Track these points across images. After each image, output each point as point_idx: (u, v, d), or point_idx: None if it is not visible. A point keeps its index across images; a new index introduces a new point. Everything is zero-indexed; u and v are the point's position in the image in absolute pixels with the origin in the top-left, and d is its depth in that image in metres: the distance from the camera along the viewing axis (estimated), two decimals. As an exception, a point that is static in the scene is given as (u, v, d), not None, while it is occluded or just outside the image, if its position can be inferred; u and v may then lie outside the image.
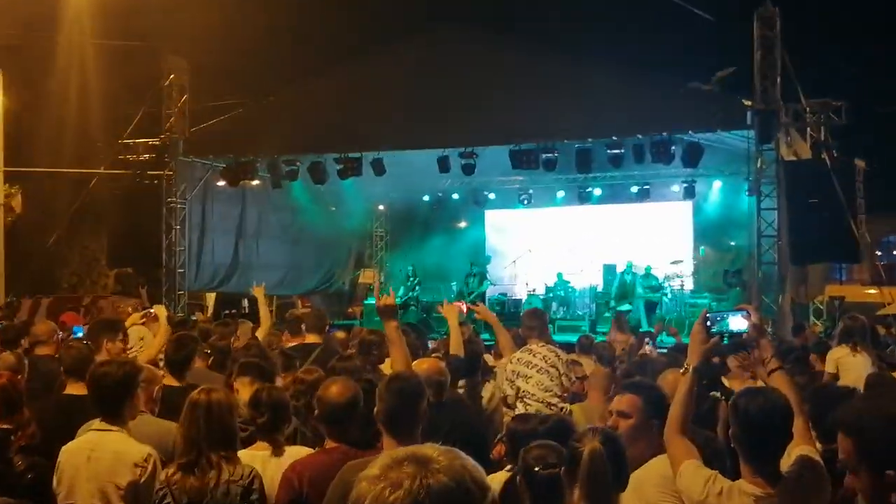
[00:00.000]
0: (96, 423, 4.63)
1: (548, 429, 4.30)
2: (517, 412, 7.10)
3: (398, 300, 17.98)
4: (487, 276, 21.84)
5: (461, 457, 1.80)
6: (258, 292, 9.48)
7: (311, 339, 8.24)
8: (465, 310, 20.07)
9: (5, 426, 4.83)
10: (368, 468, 1.78)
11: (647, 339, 9.48)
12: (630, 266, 20.14)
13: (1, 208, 19.09)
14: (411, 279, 21.09)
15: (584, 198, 21.82)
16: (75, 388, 5.57)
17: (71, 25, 19.37)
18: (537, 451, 3.86)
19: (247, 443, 4.71)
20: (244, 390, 5.52)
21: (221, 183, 19.51)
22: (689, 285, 20.87)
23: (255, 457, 4.59)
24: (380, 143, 17.46)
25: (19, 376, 6.16)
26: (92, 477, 4.46)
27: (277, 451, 4.66)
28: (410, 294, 20.42)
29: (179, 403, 4.53)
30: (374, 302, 20.53)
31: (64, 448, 4.62)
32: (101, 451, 4.49)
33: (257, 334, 8.73)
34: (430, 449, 1.80)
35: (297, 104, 17.74)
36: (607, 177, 20.77)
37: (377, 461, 1.79)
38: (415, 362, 5.56)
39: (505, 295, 22.20)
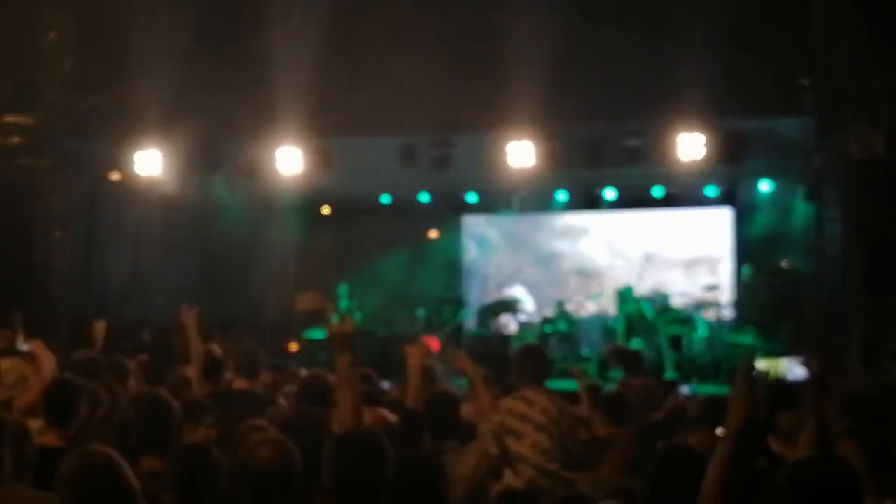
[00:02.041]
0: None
1: None
2: (504, 482, 7.12)
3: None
4: (465, 303, 21.86)
5: None
6: (189, 319, 9.50)
7: (239, 384, 8.21)
8: (435, 347, 20.17)
9: None
10: None
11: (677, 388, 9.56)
12: (629, 292, 20.12)
13: None
14: (345, 304, 20.97)
15: (592, 201, 21.87)
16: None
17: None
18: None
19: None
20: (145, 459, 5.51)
21: (116, 177, 19.39)
22: (728, 317, 20.95)
23: None
24: (325, 127, 17.44)
25: None
26: None
27: None
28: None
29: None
30: (315, 335, 20.52)
31: None
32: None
33: (183, 376, 8.72)
34: None
35: (219, 75, 17.71)
36: (623, 175, 20.83)
37: None
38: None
39: (488, 328, 22.19)
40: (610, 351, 14.22)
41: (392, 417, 5.97)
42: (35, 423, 6.23)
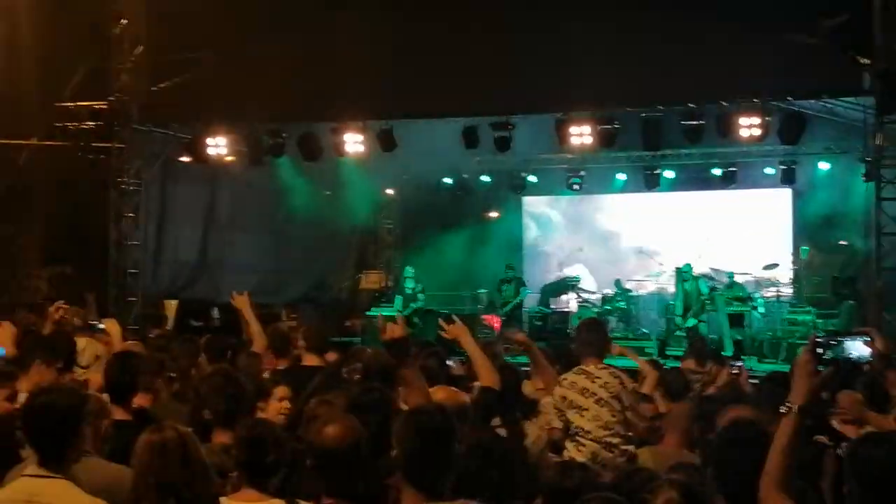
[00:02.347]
0: (30, 467, 4.63)
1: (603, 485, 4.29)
2: (567, 455, 7.10)
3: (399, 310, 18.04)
4: (526, 282, 21.81)
5: None
6: (242, 303, 9.38)
7: (310, 360, 8.24)
8: (495, 325, 20.19)
9: None
10: None
11: (735, 365, 9.43)
12: (688, 269, 19.97)
13: None
14: (411, 285, 20.99)
15: (651, 182, 21.76)
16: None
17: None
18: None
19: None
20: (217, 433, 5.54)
21: (186, 159, 19.56)
22: (787, 296, 20.76)
23: None
24: (389, 110, 17.46)
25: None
26: (30, 539, 4.45)
27: None
28: (412, 306, 20.34)
29: (131, 442, 4.52)
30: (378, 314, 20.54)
31: None
32: (41, 504, 4.48)
33: (253, 353, 8.75)
34: None
35: (285, 59, 17.75)
36: (682, 155, 20.68)
37: None
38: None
39: (548, 307, 22.16)
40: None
41: (464, 396, 5.93)
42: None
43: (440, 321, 7.30)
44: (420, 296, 20.64)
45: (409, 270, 21.12)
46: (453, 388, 5.92)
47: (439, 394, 5.62)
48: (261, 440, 4.74)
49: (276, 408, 6.33)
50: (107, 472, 5.00)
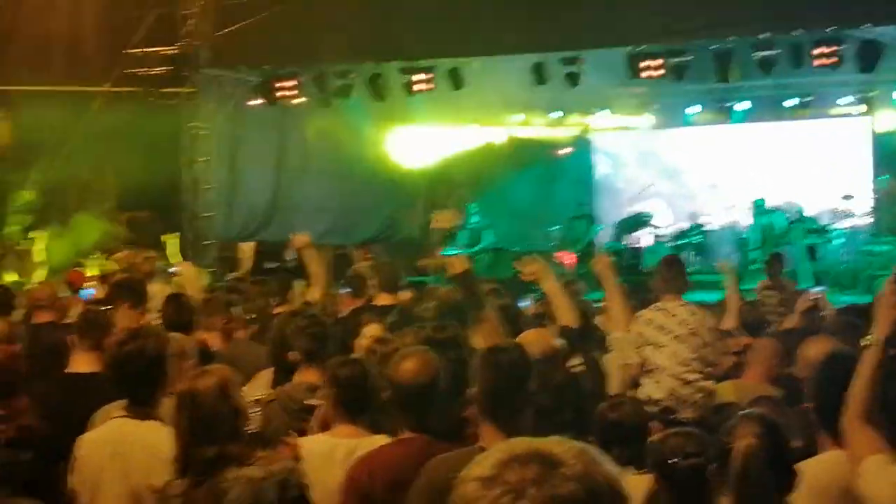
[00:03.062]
0: (120, 409, 4.73)
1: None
2: (644, 391, 7.11)
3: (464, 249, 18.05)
4: (597, 218, 21.72)
5: (598, 461, 1.79)
6: (301, 242, 9.33)
7: (383, 300, 8.31)
8: (570, 263, 20.14)
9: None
10: (476, 464, 1.77)
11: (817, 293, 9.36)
12: (762, 203, 19.73)
13: (-17, 138, 19.54)
14: (475, 220, 20.87)
15: (724, 115, 21.50)
16: (85, 364, 5.72)
17: None
18: (676, 439, 3.90)
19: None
20: (302, 372, 5.63)
21: (256, 102, 19.67)
22: (865, 227, 20.46)
23: (339, 445, 4.67)
24: (458, 48, 17.40)
25: (16, 347, 6.39)
26: (120, 477, 4.55)
27: (365, 440, 4.73)
28: (480, 245, 20.25)
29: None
30: (451, 253, 20.60)
31: (82, 439, 4.72)
32: (129, 446, 4.57)
33: (309, 297, 8.81)
34: (559, 447, 1.78)
35: (352, -1, 17.77)
36: (756, 87, 20.37)
37: (489, 455, 1.78)
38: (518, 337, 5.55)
39: (620, 243, 22.07)
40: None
41: (554, 339, 5.94)
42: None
43: (516, 262, 7.31)
44: (485, 232, 20.67)
45: (474, 206, 21.13)
46: (544, 331, 5.91)
47: (530, 336, 5.63)
48: (353, 378, 4.82)
49: (363, 346, 6.40)
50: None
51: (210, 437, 4.09)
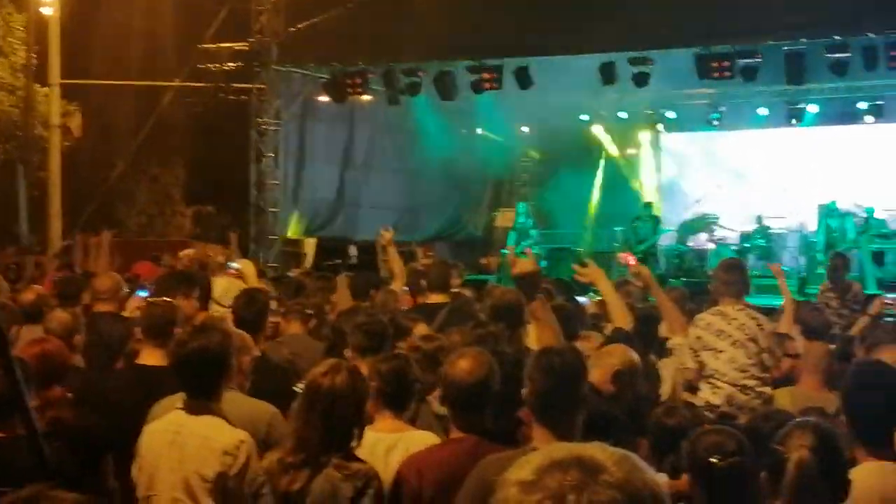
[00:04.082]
0: (181, 401, 4.82)
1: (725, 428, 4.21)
2: (702, 397, 7.06)
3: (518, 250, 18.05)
4: (663, 219, 21.59)
5: (639, 467, 1.77)
6: (388, 239, 9.70)
7: (435, 298, 8.33)
8: (631, 262, 20.01)
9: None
10: (518, 468, 1.76)
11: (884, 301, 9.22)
12: (834, 206, 19.48)
13: (58, 130, 19.81)
14: (522, 220, 20.77)
15: (794, 117, 21.29)
16: (152, 357, 5.81)
17: None
18: (712, 437, 3.85)
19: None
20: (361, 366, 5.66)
21: (324, 99, 19.80)
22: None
23: (381, 440, 4.71)
24: (525, 48, 17.40)
25: (76, 337, 6.47)
26: (175, 466, 4.64)
27: (406, 434, 4.75)
28: (524, 243, 20.21)
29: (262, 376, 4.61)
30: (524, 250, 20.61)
31: (146, 429, 4.84)
32: (186, 436, 4.65)
33: (392, 289, 8.94)
34: (601, 452, 1.77)
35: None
36: (827, 89, 20.14)
37: (530, 459, 1.77)
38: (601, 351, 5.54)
39: (685, 245, 21.92)
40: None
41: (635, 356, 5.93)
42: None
43: (574, 265, 7.34)
44: (532, 231, 20.63)
45: (522, 206, 21.11)
46: (627, 348, 5.85)
47: (614, 349, 5.62)
48: (395, 371, 4.84)
49: (411, 344, 6.42)
50: (248, 407, 5.17)
51: (331, 443, 4.31)
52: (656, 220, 21.09)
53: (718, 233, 21.94)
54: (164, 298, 6.44)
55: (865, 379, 4.30)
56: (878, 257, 18.84)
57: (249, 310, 6.52)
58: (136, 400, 5.34)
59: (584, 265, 7.15)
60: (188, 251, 12.76)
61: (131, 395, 5.47)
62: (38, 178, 19.99)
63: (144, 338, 5.95)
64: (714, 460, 3.68)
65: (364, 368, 5.51)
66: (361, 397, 4.43)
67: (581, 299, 10.73)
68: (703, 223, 22.25)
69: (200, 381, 4.77)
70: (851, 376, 4.39)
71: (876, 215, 19.72)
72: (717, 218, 22.22)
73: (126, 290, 8.34)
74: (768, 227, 21.14)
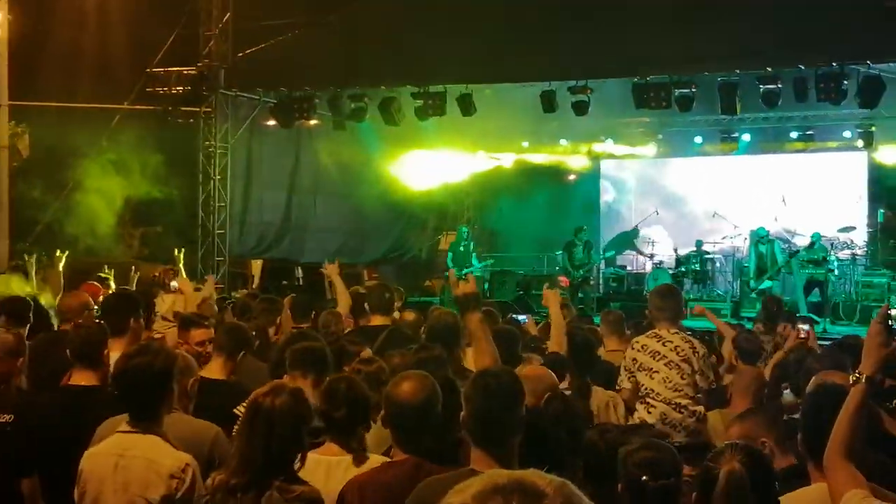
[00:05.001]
0: (123, 424, 4.76)
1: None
2: (637, 416, 7.12)
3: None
4: (593, 244, 21.66)
5: (577, 494, 1.78)
6: (332, 271, 9.87)
7: (377, 320, 8.32)
8: (566, 284, 20.08)
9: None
10: (458, 491, 1.76)
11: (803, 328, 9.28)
12: (763, 232, 19.71)
13: (6, 151, 19.60)
14: (466, 244, 20.78)
15: (729, 145, 21.53)
16: (83, 378, 5.76)
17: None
18: (643, 453, 3.85)
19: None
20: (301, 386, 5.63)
21: (271, 123, 19.75)
22: (862, 259, 20.44)
23: (328, 464, 4.68)
24: (468, 75, 17.45)
25: (20, 360, 6.38)
26: (120, 489, 4.59)
27: (357, 459, 4.72)
28: (466, 269, 20.26)
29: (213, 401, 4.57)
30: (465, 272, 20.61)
31: (87, 453, 4.78)
32: (130, 459, 4.60)
33: (334, 311, 8.95)
34: (540, 479, 1.77)
35: (365, 25, 17.81)
36: (759, 119, 20.38)
37: (471, 484, 1.77)
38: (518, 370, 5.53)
39: (624, 269, 22.06)
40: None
41: (552, 376, 5.94)
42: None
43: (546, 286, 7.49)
44: (472, 255, 20.62)
45: (463, 229, 21.09)
46: (543, 367, 5.88)
47: (527, 370, 5.62)
48: (335, 393, 4.81)
49: (353, 367, 6.40)
50: (191, 427, 5.12)
51: (275, 464, 4.24)
52: (589, 245, 21.19)
53: (657, 257, 22.08)
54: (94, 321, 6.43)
55: (821, 401, 4.32)
56: (812, 283, 18.98)
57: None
58: (68, 422, 5.30)
59: (550, 287, 7.26)
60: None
61: (65, 417, 5.43)
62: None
63: (73, 359, 5.89)
64: (645, 479, 3.69)
65: (307, 390, 5.49)
66: (302, 419, 4.37)
67: (521, 318, 10.83)
68: (626, 240, 22.34)
69: (143, 402, 4.72)
70: (808, 399, 4.42)
71: (806, 242, 19.89)
72: (638, 232, 22.41)
73: (89, 310, 8.25)
74: (705, 252, 21.28)
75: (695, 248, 21.19)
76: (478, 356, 5.48)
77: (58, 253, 12.33)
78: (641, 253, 22.25)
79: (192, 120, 19.30)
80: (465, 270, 19.71)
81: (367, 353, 6.60)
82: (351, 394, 4.84)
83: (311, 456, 4.61)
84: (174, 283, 9.58)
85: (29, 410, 5.51)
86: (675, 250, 21.63)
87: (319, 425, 4.95)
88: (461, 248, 20.48)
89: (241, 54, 19.13)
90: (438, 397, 4.51)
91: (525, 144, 23.80)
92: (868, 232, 20.94)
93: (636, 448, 3.84)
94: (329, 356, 6.03)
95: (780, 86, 16.60)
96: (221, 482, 4.31)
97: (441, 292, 20.79)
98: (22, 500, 5.01)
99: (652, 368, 7.14)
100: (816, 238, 19.63)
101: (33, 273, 11.89)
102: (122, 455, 4.62)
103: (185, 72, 19.37)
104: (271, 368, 6.42)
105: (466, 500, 1.73)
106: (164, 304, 9.07)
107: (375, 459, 4.73)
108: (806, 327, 8.30)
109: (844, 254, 20.16)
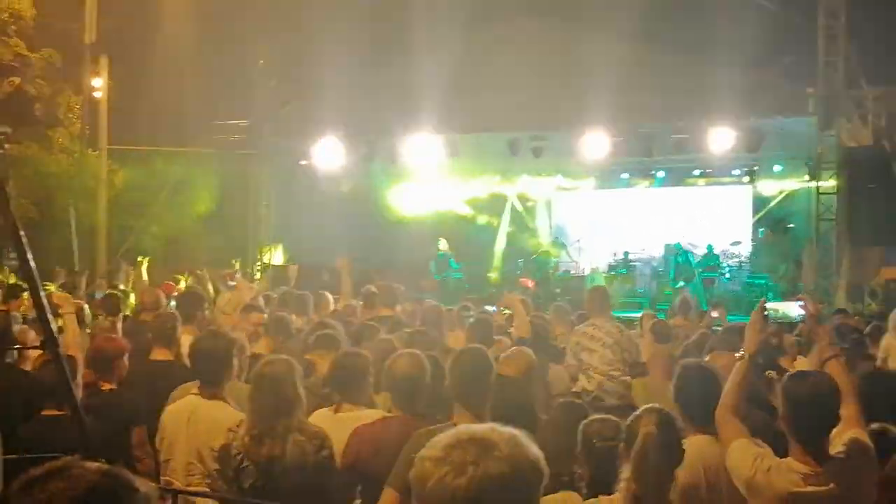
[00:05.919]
0: (195, 388, 4.78)
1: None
2: (579, 385, 7.13)
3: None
4: (550, 256, 21.66)
5: (524, 444, 1.78)
6: (344, 264, 9.53)
7: (384, 312, 8.32)
8: (529, 285, 20.09)
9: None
10: (430, 447, 1.77)
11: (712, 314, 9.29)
12: (678, 246, 19.71)
13: (104, 183, 19.63)
14: (441, 254, 20.70)
15: (649, 180, 21.66)
16: (161, 354, 5.79)
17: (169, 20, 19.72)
18: (597, 424, 3.89)
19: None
20: (321, 362, 5.61)
21: (305, 163, 19.77)
22: (747, 265, 20.52)
23: (339, 419, 4.67)
24: (450, 126, 17.73)
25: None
26: (191, 438, 4.65)
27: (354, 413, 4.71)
28: (446, 273, 20.19)
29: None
30: (447, 275, 20.59)
31: (167, 409, 4.87)
32: (199, 416, 4.66)
33: (338, 305, 8.91)
34: (494, 433, 1.77)
35: (375, 84, 17.85)
36: (671, 160, 20.45)
37: (441, 438, 1.78)
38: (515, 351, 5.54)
39: (569, 272, 22.04)
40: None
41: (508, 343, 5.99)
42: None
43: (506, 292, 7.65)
44: (451, 261, 20.60)
45: (441, 242, 21.02)
46: (526, 349, 5.84)
47: (513, 350, 5.65)
48: (345, 365, 4.86)
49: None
50: (245, 392, 5.10)
51: (279, 411, 4.22)
52: (548, 254, 21.16)
53: (593, 262, 21.96)
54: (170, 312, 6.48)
55: (690, 374, 4.38)
56: (708, 283, 19.09)
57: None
58: (150, 387, 5.37)
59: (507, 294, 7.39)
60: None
61: (147, 383, 5.46)
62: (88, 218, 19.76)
63: (153, 341, 5.92)
64: (595, 441, 3.74)
65: (321, 364, 5.51)
66: (292, 378, 4.33)
67: (490, 308, 10.84)
68: (546, 254, 22.20)
69: (211, 374, 4.76)
70: (680, 374, 4.46)
71: (704, 252, 19.96)
72: (566, 245, 22.32)
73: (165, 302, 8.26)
74: (630, 260, 21.28)
75: (622, 257, 21.24)
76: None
77: (139, 259, 12.30)
78: (574, 260, 22.12)
79: (244, 162, 19.36)
80: (446, 273, 19.80)
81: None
82: (349, 365, 4.84)
83: (326, 412, 4.62)
84: (232, 283, 9.53)
85: (126, 379, 5.51)
86: (614, 255, 21.56)
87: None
88: (440, 256, 20.55)
89: (281, 109, 19.16)
90: (427, 370, 4.51)
91: (495, 179, 23.65)
92: (752, 244, 21.00)
93: (591, 421, 3.91)
94: (343, 338, 6.04)
95: (686, 136, 16.76)
96: (245, 434, 4.26)
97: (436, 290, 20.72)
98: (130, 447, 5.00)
99: (591, 348, 7.18)
100: (710, 249, 19.73)
101: (128, 277, 11.92)
102: (194, 412, 4.69)
103: (240, 124, 19.47)
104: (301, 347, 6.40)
105: (437, 452, 1.73)
106: (223, 299, 9.03)
107: (376, 413, 4.71)
108: (715, 313, 8.36)
109: (734, 261, 20.25)
